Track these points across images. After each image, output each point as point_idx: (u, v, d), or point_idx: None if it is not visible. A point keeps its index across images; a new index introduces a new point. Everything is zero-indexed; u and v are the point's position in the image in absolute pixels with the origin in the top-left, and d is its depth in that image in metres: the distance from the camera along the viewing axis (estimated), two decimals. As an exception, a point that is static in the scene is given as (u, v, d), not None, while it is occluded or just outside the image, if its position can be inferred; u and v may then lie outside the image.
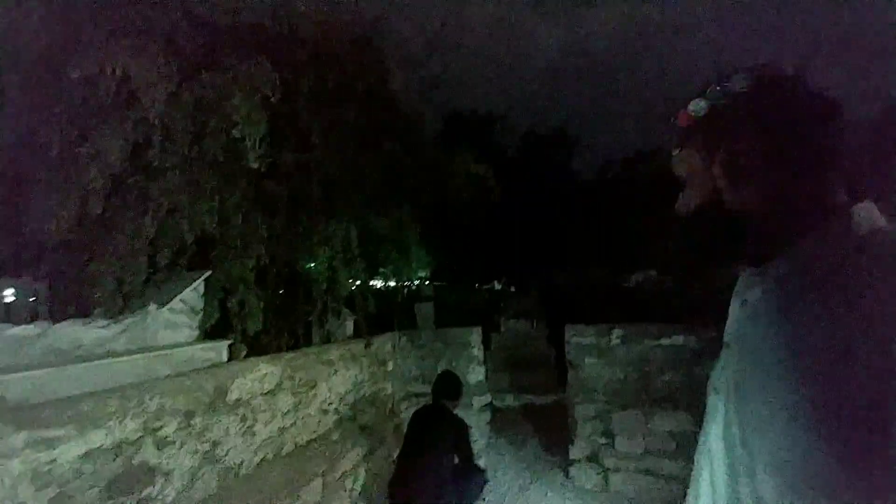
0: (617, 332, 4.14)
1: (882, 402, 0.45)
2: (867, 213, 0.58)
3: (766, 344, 0.58)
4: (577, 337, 4.23)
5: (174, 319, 2.69)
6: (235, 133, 2.63)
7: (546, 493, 3.69)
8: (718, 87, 0.65)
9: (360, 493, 3.19)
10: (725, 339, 0.70)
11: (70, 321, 2.34)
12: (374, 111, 4.17)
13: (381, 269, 5.17)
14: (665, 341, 3.99)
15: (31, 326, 2.14)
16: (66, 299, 2.69)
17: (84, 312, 2.62)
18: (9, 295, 3.30)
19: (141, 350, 2.43)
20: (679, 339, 3.90)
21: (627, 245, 13.42)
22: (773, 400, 0.54)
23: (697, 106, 0.67)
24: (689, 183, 0.72)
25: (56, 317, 2.54)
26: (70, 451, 1.68)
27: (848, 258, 0.54)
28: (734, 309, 0.70)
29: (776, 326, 0.57)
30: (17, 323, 2.33)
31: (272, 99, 2.79)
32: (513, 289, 15.64)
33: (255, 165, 2.85)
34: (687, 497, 0.77)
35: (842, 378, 0.48)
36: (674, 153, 0.75)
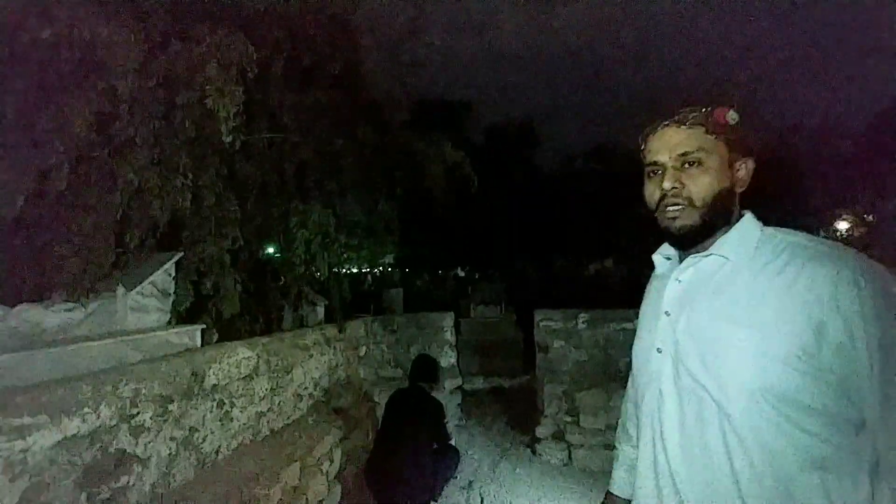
0: (583, 316, 4.36)
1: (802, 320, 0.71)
2: (753, 218, 0.87)
3: (716, 301, 0.81)
4: (546, 321, 4.40)
5: (144, 303, 2.55)
6: (208, 104, 2.50)
7: (515, 469, 3.86)
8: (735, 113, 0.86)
9: (336, 476, 3.20)
10: (665, 309, 0.90)
11: (29, 304, 2.18)
12: (347, 95, 4.09)
13: (346, 256, 5.11)
14: (627, 325, 4.25)
15: (-12, 309, 1.98)
16: (20, 282, 2.49)
17: (42, 296, 2.45)
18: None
19: (111, 335, 2.31)
20: (641, 323, 4.15)
21: (586, 235, 13.97)
22: (732, 334, 0.76)
23: (732, 115, 0.85)
24: (699, 166, 0.84)
25: (8, 300, 2.36)
26: (44, 440, 1.60)
27: (760, 246, 0.82)
28: (671, 286, 0.91)
29: (722, 290, 0.81)
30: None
31: (249, 74, 2.67)
32: (477, 276, 15.87)
33: (229, 140, 2.73)
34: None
35: (781, 314, 0.73)
36: (698, 132, 0.85)
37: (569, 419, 4.07)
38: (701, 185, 0.83)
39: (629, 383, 1.25)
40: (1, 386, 1.75)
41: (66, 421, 1.68)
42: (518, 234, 13.45)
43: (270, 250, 3.95)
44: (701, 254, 0.87)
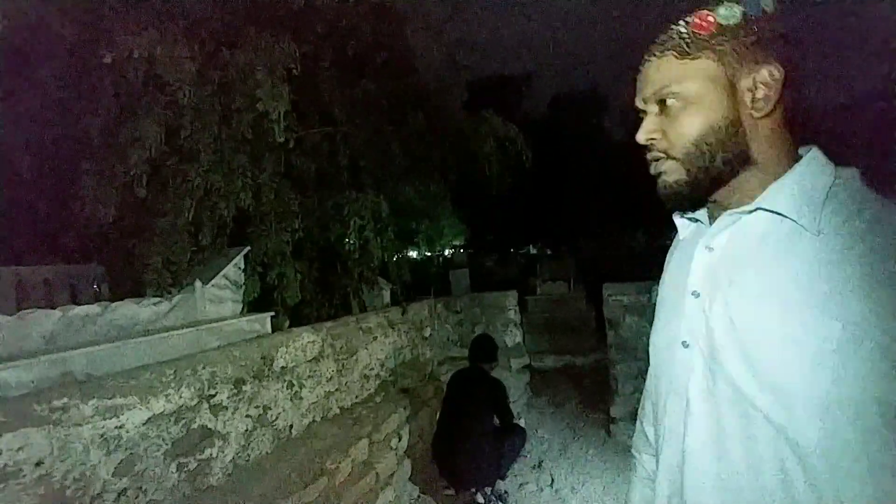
0: (657, 289, 4.03)
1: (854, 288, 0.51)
2: (820, 156, 0.62)
3: (768, 277, 0.57)
4: (616, 296, 4.14)
5: (219, 294, 2.83)
6: (260, 107, 2.65)
7: (587, 451, 3.73)
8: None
9: (404, 452, 3.33)
10: (691, 288, 0.67)
11: (126, 300, 2.50)
12: (396, 80, 4.09)
13: (414, 239, 5.20)
14: (709, 297, 3.85)
15: (93, 306, 2.31)
16: (122, 281, 2.88)
17: (138, 292, 2.80)
18: (74, 280, 3.55)
19: (193, 324, 2.58)
20: (723, 295, 3.75)
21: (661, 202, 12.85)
22: (796, 326, 0.53)
23: (730, 11, 0.58)
24: (677, 103, 0.62)
25: (115, 298, 2.72)
26: (135, 418, 1.83)
27: (831, 197, 0.57)
28: (699, 257, 0.67)
29: (777, 260, 0.58)
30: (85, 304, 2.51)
31: (295, 72, 2.78)
32: (548, 252, 15.47)
33: (282, 140, 2.88)
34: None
35: (873, 293, 0.50)
36: (670, 59, 0.62)
37: (645, 399, 3.83)
38: (680, 128, 0.62)
39: (649, 377, 0.97)
40: (100, 372, 2.03)
41: (153, 401, 1.91)
42: (587, 206, 12.78)
43: (333, 239, 4.14)
44: (741, 209, 0.61)
